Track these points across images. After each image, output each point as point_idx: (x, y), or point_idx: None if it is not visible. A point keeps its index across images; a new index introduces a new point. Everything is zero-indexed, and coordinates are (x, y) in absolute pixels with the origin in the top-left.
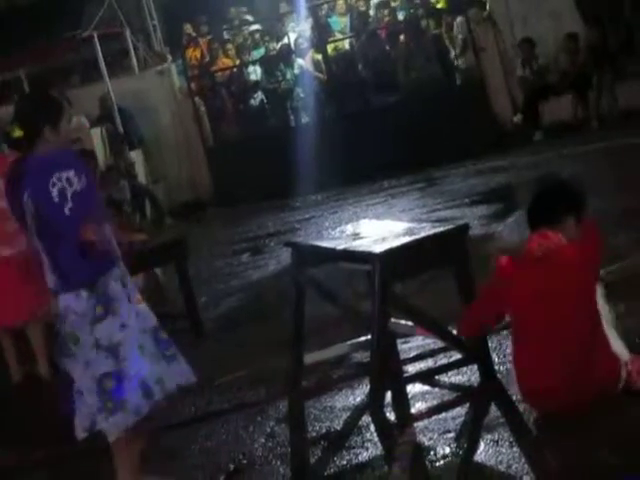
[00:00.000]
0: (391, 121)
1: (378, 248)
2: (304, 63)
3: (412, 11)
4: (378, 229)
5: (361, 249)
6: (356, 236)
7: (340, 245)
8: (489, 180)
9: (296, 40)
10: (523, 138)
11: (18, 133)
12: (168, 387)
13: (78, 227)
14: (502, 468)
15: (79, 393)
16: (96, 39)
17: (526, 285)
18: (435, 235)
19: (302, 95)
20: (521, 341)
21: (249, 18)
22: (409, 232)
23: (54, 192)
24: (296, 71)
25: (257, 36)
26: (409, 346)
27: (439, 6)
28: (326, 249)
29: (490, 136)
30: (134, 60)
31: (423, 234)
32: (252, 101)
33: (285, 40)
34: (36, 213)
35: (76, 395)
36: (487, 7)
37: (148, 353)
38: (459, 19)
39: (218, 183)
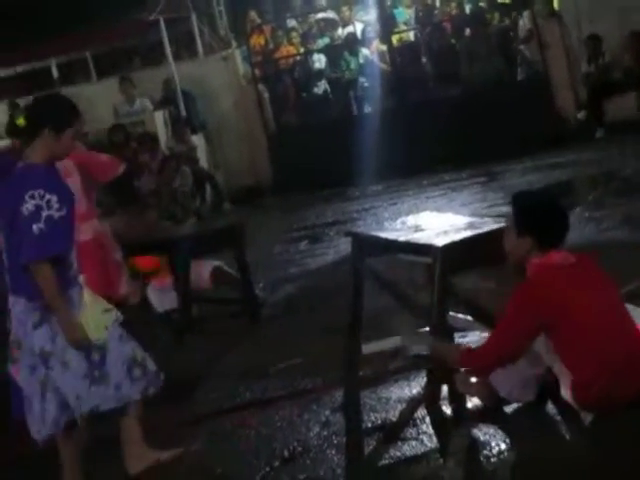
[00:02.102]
0: (453, 114)
1: (440, 241)
2: (369, 53)
3: (477, 4)
4: (439, 222)
5: (423, 241)
6: (417, 228)
7: (401, 236)
8: (548, 176)
9: (363, 30)
10: (585, 135)
11: (21, 122)
12: (85, 407)
13: (36, 253)
14: (558, 465)
15: (27, 398)
16: (162, 22)
17: (570, 287)
18: (496, 230)
19: (365, 85)
20: (574, 349)
21: (317, 4)
22: (470, 226)
23: (28, 204)
24: (361, 60)
25: (322, 24)
26: (467, 340)
27: (504, 1)
28: (387, 240)
29: (552, 132)
30: (199, 44)
31: (485, 229)
32: (315, 89)
33: (350, 29)
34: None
35: (25, 400)
36: (554, 3)
37: (73, 369)
38: (525, 13)
39: (278, 170)
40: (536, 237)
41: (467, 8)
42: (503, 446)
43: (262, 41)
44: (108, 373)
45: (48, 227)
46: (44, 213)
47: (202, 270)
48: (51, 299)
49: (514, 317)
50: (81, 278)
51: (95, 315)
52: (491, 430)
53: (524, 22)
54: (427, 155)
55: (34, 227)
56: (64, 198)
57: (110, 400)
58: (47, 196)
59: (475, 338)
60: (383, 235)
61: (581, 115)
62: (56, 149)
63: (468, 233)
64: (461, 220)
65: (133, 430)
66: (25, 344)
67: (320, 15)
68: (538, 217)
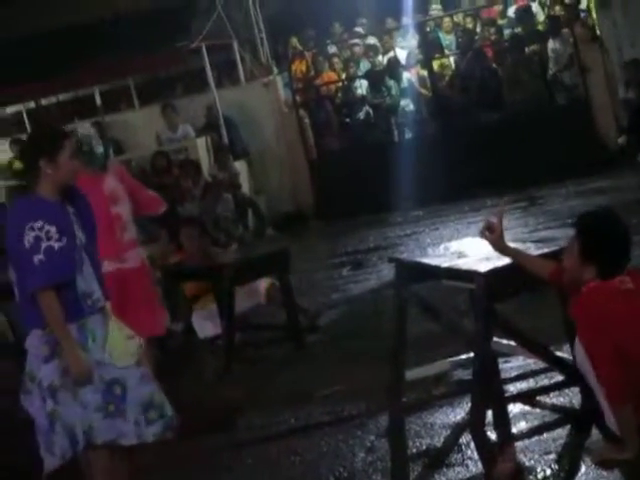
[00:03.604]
0: (494, 139)
1: (483, 267)
2: (412, 77)
3: (515, 30)
4: (482, 248)
5: (466, 267)
6: (460, 254)
7: (444, 262)
8: (590, 201)
9: (408, 55)
10: (626, 160)
11: (17, 165)
12: (95, 438)
13: (39, 281)
14: None
15: (38, 429)
16: (204, 50)
17: (625, 311)
18: (541, 255)
19: (407, 110)
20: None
21: (359, 30)
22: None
23: (29, 237)
24: (405, 84)
25: (363, 50)
26: (510, 366)
27: (541, 28)
28: (430, 266)
29: (593, 156)
30: (241, 71)
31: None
32: (357, 115)
33: (391, 54)
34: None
35: (37, 431)
36: (595, 27)
37: (85, 401)
38: (564, 38)
39: (320, 196)
40: (601, 266)
41: (505, 34)
42: (548, 472)
43: (303, 67)
44: (125, 410)
45: (48, 257)
46: (43, 244)
47: (258, 285)
48: (56, 329)
49: (592, 343)
50: (107, 305)
51: (121, 341)
52: (536, 456)
53: (564, 47)
54: (468, 180)
55: (35, 258)
56: (65, 229)
57: (130, 435)
58: (46, 227)
59: (519, 363)
60: (426, 261)
61: (622, 140)
62: (58, 176)
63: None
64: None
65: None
66: (37, 377)
67: (361, 41)
68: (607, 245)
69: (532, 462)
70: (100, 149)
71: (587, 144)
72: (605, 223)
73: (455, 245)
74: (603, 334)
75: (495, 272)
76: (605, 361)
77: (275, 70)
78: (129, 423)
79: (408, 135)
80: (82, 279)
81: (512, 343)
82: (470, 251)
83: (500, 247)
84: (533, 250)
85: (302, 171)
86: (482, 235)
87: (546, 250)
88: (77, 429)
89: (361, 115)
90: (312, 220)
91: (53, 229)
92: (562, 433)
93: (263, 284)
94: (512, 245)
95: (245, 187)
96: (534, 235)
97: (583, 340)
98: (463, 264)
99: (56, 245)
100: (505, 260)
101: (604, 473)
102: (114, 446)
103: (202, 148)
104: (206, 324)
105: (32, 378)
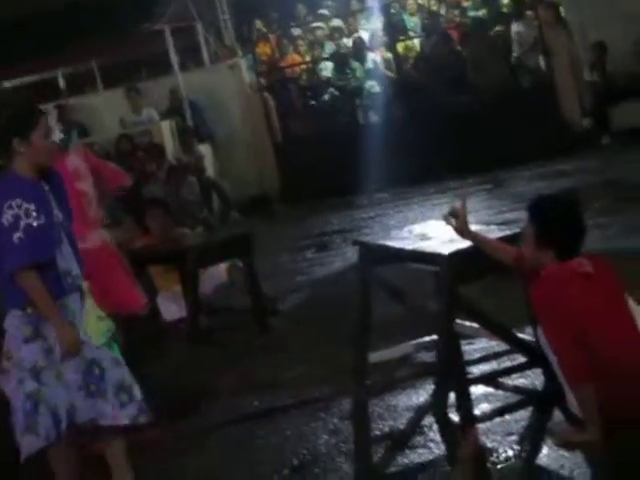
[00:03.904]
0: (459, 121)
1: (446, 249)
2: (377, 57)
3: (479, 12)
4: (446, 230)
5: (429, 250)
6: (424, 236)
7: (408, 245)
8: (554, 183)
9: (371, 36)
10: (591, 142)
11: None
12: (78, 418)
13: (19, 260)
14: (564, 472)
15: (14, 410)
16: (167, 32)
17: (584, 294)
18: (502, 239)
19: (372, 93)
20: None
21: (323, 12)
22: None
23: (7, 215)
24: (370, 65)
25: (328, 33)
26: (473, 348)
27: (505, 10)
28: (394, 249)
29: (558, 139)
30: (205, 54)
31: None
32: (322, 97)
33: (356, 36)
34: None
35: (13, 412)
36: (559, 9)
37: (67, 381)
38: (527, 19)
39: (285, 179)
40: (557, 249)
41: (469, 16)
42: (510, 453)
43: (268, 50)
44: (106, 390)
45: (28, 235)
46: (22, 222)
47: (219, 265)
48: (43, 307)
49: (551, 328)
50: (84, 285)
51: (95, 321)
52: (498, 437)
53: (528, 29)
54: (433, 163)
55: (14, 237)
56: (43, 207)
57: (108, 417)
58: (25, 205)
59: (482, 345)
60: (390, 244)
61: (586, 122)
62: (34, 156)
63: None
64: None
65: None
66: (15, 356)
67: (326, 23)
68: (561, 229)
69: (494, 444)
70: (61, 132)
71: (551, 127)
72: (557, 207)
73: (419, 228)
74: (561, 318)
75: (459, 254)
76: (564, 345)
77: (239, 52)
78: (109, 404)
79: (373, 118)
80: (61, 257)
81: (475, 325)
82: (434, 233)
83: (464, 233)
84: (496, 233)
85: (267, 154)
86: (446, 220)
87: (508, 232)
88: (61, 409)
89: (326, 97)
90: (278, 203)
91: (32, 207)
92: (524, 415)
93: (223, 265)
94: (476, 230)
95: (210, 170)
96: (498, 217)
97: (542, 325)
98: (427, 246)
99: (35, 223)
100: (469, 242)
101: (566, 454)
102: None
103: (166, 131)
104: (171, 307)
105: (9, 358)
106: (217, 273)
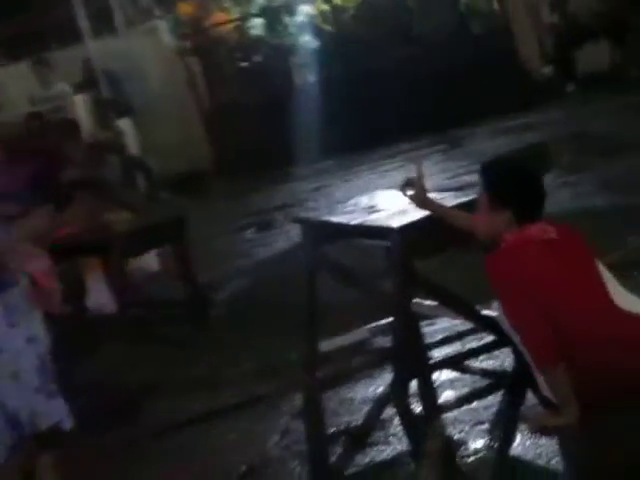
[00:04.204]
0: (406, 76)
1: (397, 222)
2: (312, 10)
3: None
4: (396, 200)
5: (378, 223)
6: (372, 209)
7: (355, 219)
8: (518, 139)
9: None
10: (555, 91)
11: None
12: (43, 423)
13: None
14: (541, 462)
15: None
16: None
17: (549, 263)
18: (459, 205)
19: (308, 50)
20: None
21: None
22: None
23: None
24: (302, 18)
25: None
26: (434, 329)
27: None
28: (339, 224)
29: (518, 90)
30: (119, 18)
31: (447, 204)
32: (254, 59)
33: None
34: None
35: None
36: None
37: (24, 380)
38: None
39: (217, 151)
40: (513, 210)
41: None
42: (481, 444)
43: (190, 9)
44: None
45: None
46: None
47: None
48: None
49: (513, 305)
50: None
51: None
52: (467, 427)
53: None
54: (380, 125)
55: None
56: None
57: (69, 418)
58: None
59: (444, 325)
60: (335, 219)
61: (548, 70)
62: None
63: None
64: None
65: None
66: None
67: None
68: (514, 187)
69: (463, 434)
70: None
71: (510, 76)
72: (507, 164)
73: (367, 199)
74: (521, 291)
75: (411, 226)
76: (528, 322)
77: (157, 14)
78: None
79: (311, 78)
80: None
81: (435, 304)
82: (384, 205)
83: (423, 203)
84: (452, 200)
85: (196, 125)
86: (402, 191)
87: (464, 199)
88: (21, 411)
89: (258, 58)
90: (211, 179)
91: None
92: (494, 400)
93: (154, 252)
94: (435, 198)
95: (132, 147)
96: (456, 181)
97: (503, 302)
98: (376, 220)
99: None
100: (422, 212)
101: (541, 442)
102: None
103: (81, 106)
104: (100, 300)
105: None
106: (149, 262)
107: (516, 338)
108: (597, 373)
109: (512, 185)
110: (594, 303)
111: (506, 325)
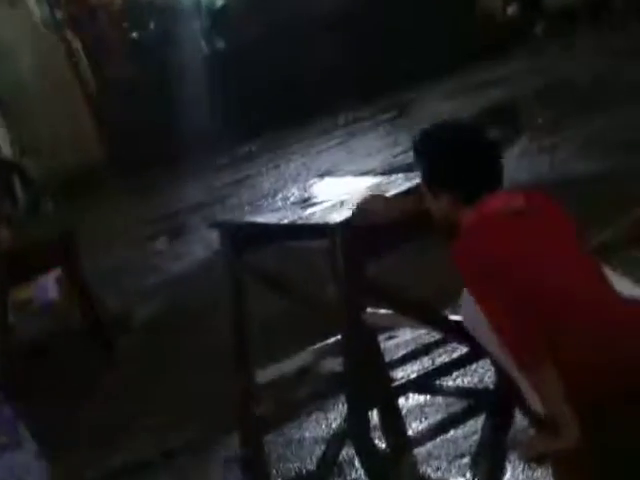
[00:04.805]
0: (345, 34)
1: (337, 216)
2: None
3: None
4: (335, 190)
5: (314, 220)
6: (306, 202)
7: (285, 217)
8: (480, 98)
9: None
10: (521, 35)
11: None
12: None
13: None
14: None
15: None
16: None
17: (516, 239)
18: (413, 190)
19: (215, 10)
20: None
21: None
22: (377, 189)
23: None
24: None
25: None
26: (395, 343)
27: None
28: (267, 226)
29: (479, 37)
30: None
31: (396, 191)
32: (147, 26)
33: None
34: None
35: None
36: None
37: None
38: None
39: (110, 142)
40: (455, 192)
41: None
42: None
43: None
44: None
45: None
46: None
47: (46, 277)
48: None
49: (486, 297)
50: None
51: None
52: (444, 463)
53: None
54: (314, 95)
55: None
56: None
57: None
58: None
59: (407, 337)
60: (260, 220)
61: (512, 10)
62: None
63: None
64: (364, 182)
65: None
66: None
67: None
68: (446, 167)
69: (440, 472)
70: None
71: (469, 22)
72: (437, 140)
73: (298, 190)
74: (494, 278)
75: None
76: (506, 313)
77: None
78: None
79: (220, 44)
80: None
81: (392, 313)
82: (320, 196)
83: (389, 212)
84: (401, 184)
85: (80, 112)
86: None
87: (416, 182)
88: None
89: (152, 26)
90: (106, 177)
91: None
92: (476, 426)
93: (52, 274)
94: (378, 183)
95: (5, 148)
96: (409, 157)
97: (474, 293)
98: (310, 216)
99: None
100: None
101: (537, 474)
102: None
103: None
104: None
105: None
106: (47, 286)
107: (491, 345)
108: (586, 366)
109: (440, 163)
110: (577, 280)
111: (473, 330)
